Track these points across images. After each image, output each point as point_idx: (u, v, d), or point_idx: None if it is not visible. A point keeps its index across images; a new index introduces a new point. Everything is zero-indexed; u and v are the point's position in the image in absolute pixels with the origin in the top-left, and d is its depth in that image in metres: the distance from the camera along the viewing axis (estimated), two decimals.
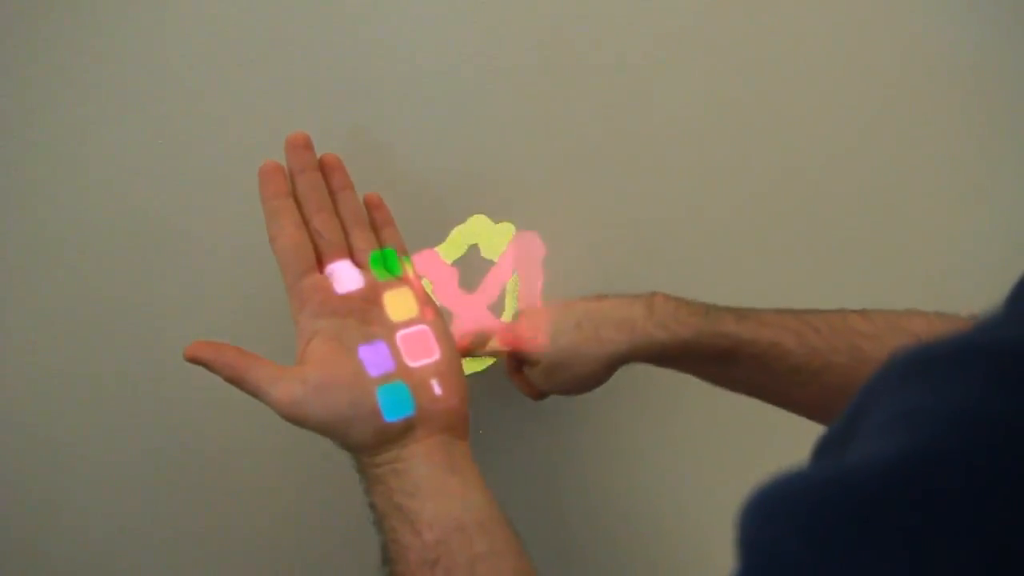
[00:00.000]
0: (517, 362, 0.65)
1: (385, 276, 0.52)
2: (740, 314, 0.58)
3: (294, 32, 0.60)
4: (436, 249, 0.65)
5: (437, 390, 0.49)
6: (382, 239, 0.54)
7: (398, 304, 0.51)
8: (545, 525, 0.74)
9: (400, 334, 0.50)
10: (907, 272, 0.77)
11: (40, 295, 0.61)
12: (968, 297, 0.66)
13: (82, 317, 0.61)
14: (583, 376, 0.60)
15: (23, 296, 0.61)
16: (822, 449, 0.31)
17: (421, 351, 0.50)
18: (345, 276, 0.51)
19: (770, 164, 0.72)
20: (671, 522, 0.78)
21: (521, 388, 0.66)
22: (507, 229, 0.67)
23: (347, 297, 0.50)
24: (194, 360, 0.48)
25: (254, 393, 0.48)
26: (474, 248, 0.66)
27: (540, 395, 0.66)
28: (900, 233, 0.77)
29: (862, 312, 0.57)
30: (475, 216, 0.66)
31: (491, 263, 0.66)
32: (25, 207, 0.59)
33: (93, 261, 0.61)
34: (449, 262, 0.66)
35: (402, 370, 0.49)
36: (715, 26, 0.68)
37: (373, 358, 0.49)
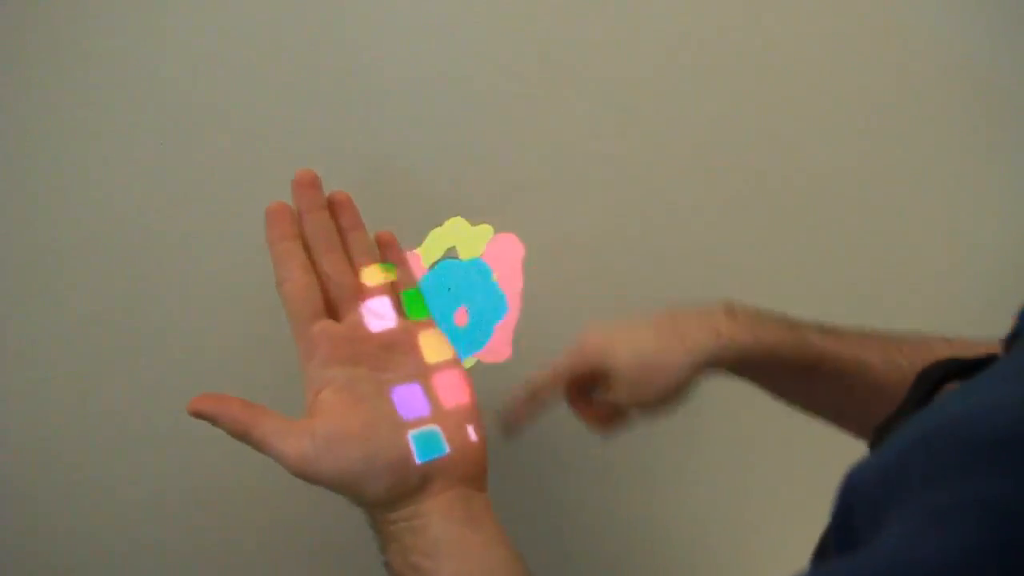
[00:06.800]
0: (581, 388, 0.58)
1: (413, 317, 0.50)
2: (822, 328, 0.55)
3: (280, 37, 0.56)
4: (417, 251, 0.63)
5: (473, 436, 0.48)
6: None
7: (432, 345, 0.49)
8: (546, 535, 0.74)
9: (434, 377, 0.48)
10: (908, 275, 0.77)
11: (39, 311, 0.58)
12: (969, 298, 0.68)
13: (84, 332, 0.59)
14: (668, 386, 0.54)
15: (21, 307, 0.57)
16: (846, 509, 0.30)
17: (455, 394, 0.48)
18: (380, 313, 0.48)
19: (749, 165, 0.72)
20: (679, 543, 0.77)
21: (589, 420, 0.59)
22: (485, 231, 0.65)
23: (359, 343, 0.48)
24: (197, 415, 0.45)
25: (261, 448, 0.45)
26: (452, 251, 0.64)
27: (612, 423, 0.58)
28: (901, 235, 0.76)
29: (944, 337, 0.55)
30: (453, 218, 0.64)
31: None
32: (25, 221, 0.56)
33: (89, 275, 0.58)
34: (426, 265, 0.64)
35: (436, 415, 0.47)
36: (703, 24, 0.66)
37: (406, 401, 0.47)
